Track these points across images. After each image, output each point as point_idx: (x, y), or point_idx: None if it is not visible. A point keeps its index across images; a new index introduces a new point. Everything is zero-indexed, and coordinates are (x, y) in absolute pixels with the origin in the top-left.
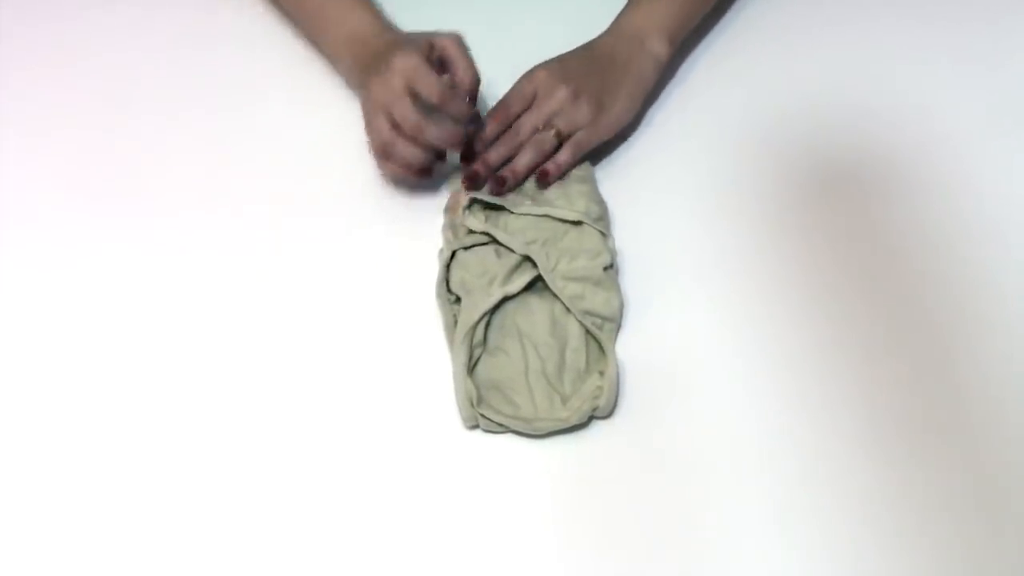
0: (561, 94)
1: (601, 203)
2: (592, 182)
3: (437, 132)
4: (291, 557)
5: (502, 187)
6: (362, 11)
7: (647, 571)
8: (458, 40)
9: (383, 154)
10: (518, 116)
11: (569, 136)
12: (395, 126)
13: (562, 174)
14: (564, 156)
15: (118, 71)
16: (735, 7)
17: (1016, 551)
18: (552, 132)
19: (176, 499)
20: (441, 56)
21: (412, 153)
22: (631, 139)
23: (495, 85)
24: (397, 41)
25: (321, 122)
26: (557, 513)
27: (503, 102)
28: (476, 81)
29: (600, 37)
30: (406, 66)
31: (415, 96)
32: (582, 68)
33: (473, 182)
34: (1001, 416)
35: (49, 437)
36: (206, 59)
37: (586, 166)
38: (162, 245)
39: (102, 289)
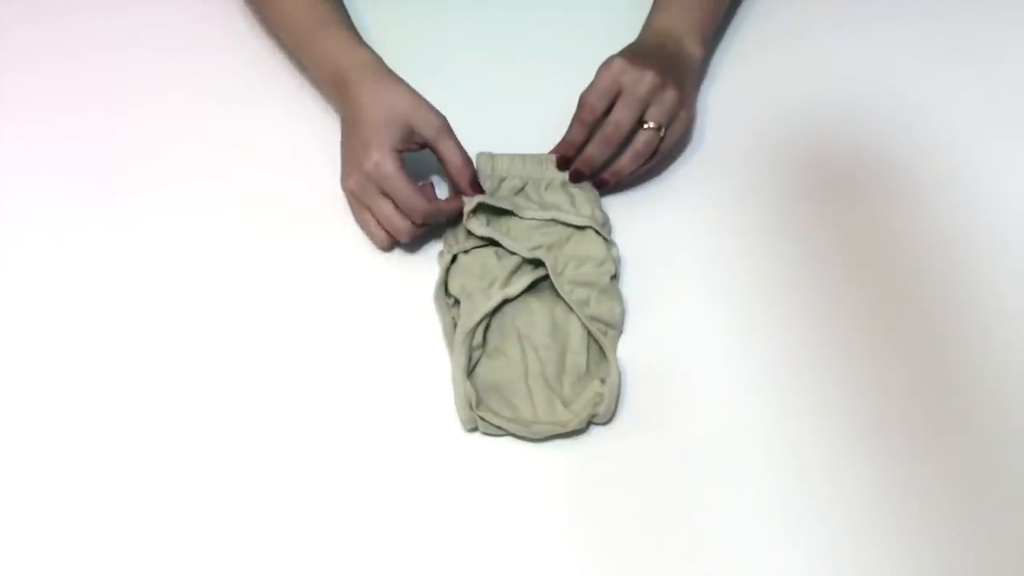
0: (649, 79)
1: (604, 211)
2: (595, 189)
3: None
4: (291, 560)
5: (602, 188)
6: (347, 47)
7: (647, 574)
8: (441, 128)
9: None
10: (606, 112)
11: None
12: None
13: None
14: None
15: (118, 71)
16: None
17: (1016, 551)
18: (653, 129)
19: (175, 501)
20: (427, 145)
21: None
22: None
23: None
24: (375, 126)
25: (322, 122)
26: (556, 516)
27: (585, 100)
28: (470, 170)
29: (643, 37)
30: (380, 174)
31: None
32: (651, 54)
33: (577, 179)
34: (1001, 416)
35: (44, 435)
36: (207, 60)
37: None
38: (161, 247)
39: (98, 292)
